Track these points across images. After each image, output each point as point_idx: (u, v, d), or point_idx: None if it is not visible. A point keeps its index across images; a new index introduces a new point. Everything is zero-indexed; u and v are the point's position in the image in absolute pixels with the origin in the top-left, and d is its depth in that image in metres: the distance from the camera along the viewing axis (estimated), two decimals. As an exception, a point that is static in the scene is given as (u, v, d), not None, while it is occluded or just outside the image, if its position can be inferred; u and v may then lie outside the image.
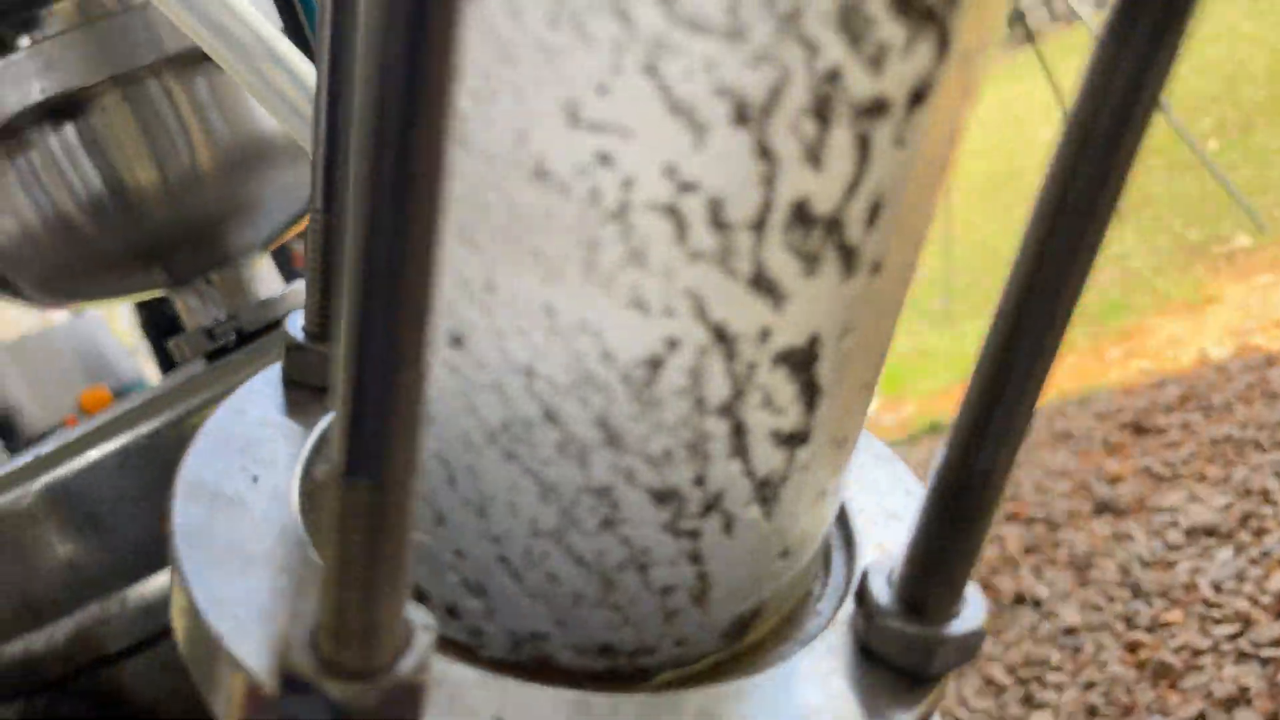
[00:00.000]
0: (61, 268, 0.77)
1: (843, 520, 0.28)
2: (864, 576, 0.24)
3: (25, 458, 0.69)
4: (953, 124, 0.20)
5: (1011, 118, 7.06)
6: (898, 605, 0.23)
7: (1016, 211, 5.19)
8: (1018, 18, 4.09)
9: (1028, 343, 0.20)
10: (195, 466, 0.25)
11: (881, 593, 0.23)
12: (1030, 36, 4.08)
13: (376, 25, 0.13)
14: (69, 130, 0.73)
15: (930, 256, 4.75)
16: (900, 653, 0.23)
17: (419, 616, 0.20)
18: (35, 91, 0.70)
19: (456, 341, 0.21)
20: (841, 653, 0.24)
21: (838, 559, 0.28)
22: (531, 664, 0.23)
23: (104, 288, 0.82)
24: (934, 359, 3.85)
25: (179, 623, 0.23)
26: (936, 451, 0.22)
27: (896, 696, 0.23)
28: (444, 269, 0.20)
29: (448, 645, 0.23)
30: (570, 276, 0.19)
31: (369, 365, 0.15)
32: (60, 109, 0.72)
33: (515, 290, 0.20)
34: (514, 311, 0.20)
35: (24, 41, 0.72)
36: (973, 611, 0.23)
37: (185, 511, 0.23)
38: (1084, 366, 3.12)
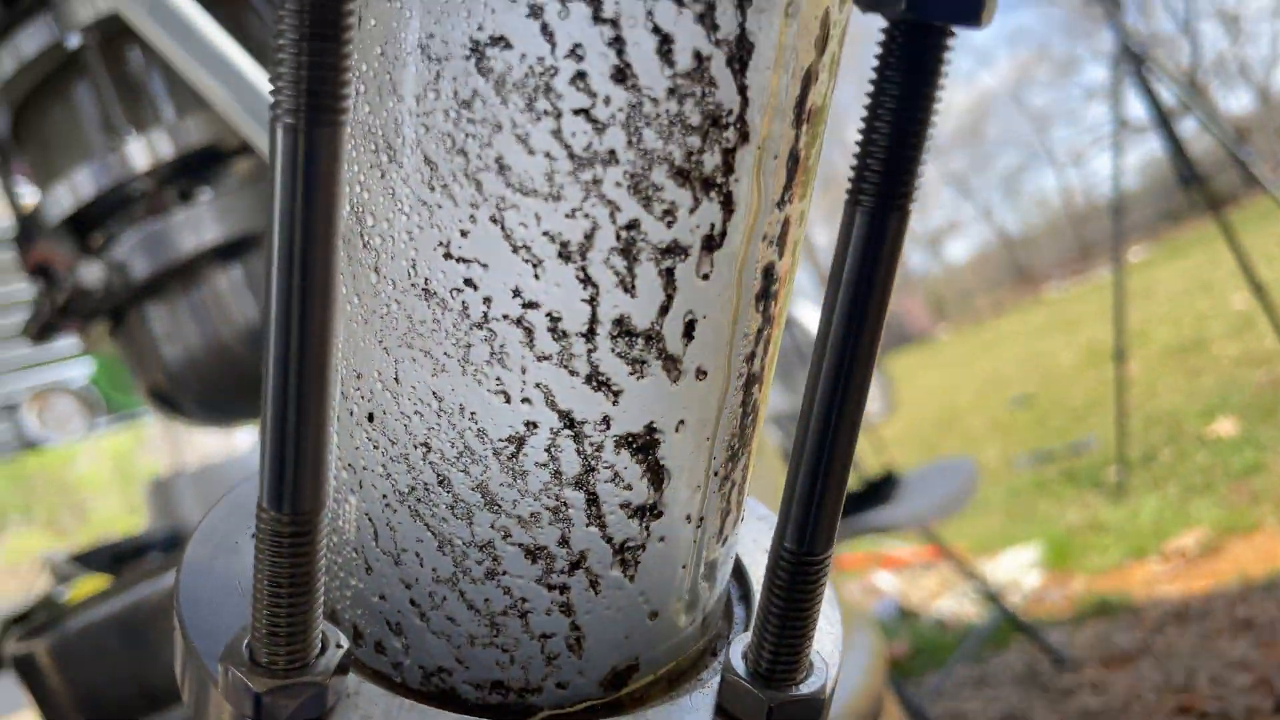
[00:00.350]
0: (218, 389, 0.88)
1: (749, 606, 0.32)
2: (728, 648, 0.28)
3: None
4: (763, 261, 0.25)
5: (1198, 285, 6.78)
6: (749, 672, 0.27)
7: (1202, 381, 4.93)
8: (1195, 182, 3.99)
9: (830, 439, 0.24)
10: (211, 523, 0.31)
11: (737, 662, 0.27)
12: (1213, 205, 3.97)
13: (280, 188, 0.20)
14: (236, 270, 0.86)
15: (1103, 427, 4.54)
16: (744, 711, 0.27)
17: (335, 634, 0.25)
18: (209, 237, 0.84)
19: (374, 420, 0.27)
20: (702, 709, 0.28)
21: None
22: (439, 695, 0.28)
23: (252, 409, 0.93)
24: (1106, 534, 3.65)
25: (176, 637, 0.29)
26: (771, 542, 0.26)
27: None
28: (366, 365, 0.27)
29: (376, 677, 0.29)
30: (451, 370, 0.25)
31: (284, 424, 0.22)
32: (229, 251, 0.85)
33: (413, 381, 0.26)
34: (413, 398, 0.26)
35: (204, 194, 0.86)
36: (814, 679, 0.27)
37: (193, 554, 0.30)
38: (1271, 549, 2.89)
